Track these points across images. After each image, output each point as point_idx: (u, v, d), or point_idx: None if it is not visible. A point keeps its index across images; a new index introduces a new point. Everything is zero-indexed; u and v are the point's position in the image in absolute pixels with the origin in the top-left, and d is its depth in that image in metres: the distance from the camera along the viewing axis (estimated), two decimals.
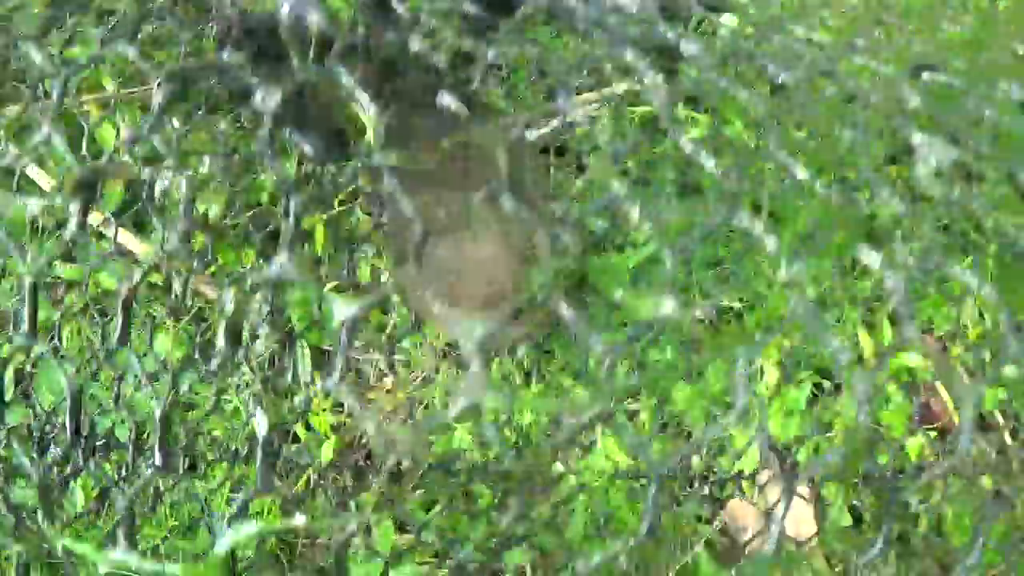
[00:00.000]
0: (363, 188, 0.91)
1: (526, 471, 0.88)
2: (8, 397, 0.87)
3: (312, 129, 0.46)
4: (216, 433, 0.87)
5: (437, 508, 0.82)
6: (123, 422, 0.85)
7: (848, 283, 0.76)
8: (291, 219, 0.32)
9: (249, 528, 0.26)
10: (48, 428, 0.83)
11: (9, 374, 0.86)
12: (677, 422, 0.84)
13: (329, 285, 0.91)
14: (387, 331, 0.90)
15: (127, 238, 0.87)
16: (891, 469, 0.76)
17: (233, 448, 0.86)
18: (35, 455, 0.81)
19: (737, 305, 0.82)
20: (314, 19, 0.38)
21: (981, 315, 0.73)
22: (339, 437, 0.85)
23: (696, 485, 0.83)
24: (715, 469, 0.82)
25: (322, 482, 0.84)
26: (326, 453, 0.83)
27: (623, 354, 0.85)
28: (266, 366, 0.88)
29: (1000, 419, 0.73)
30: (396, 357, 0.90)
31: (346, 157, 0.48)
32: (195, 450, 0.85)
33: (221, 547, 0.27)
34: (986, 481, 0.72)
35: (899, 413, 0.75)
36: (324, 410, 0.84)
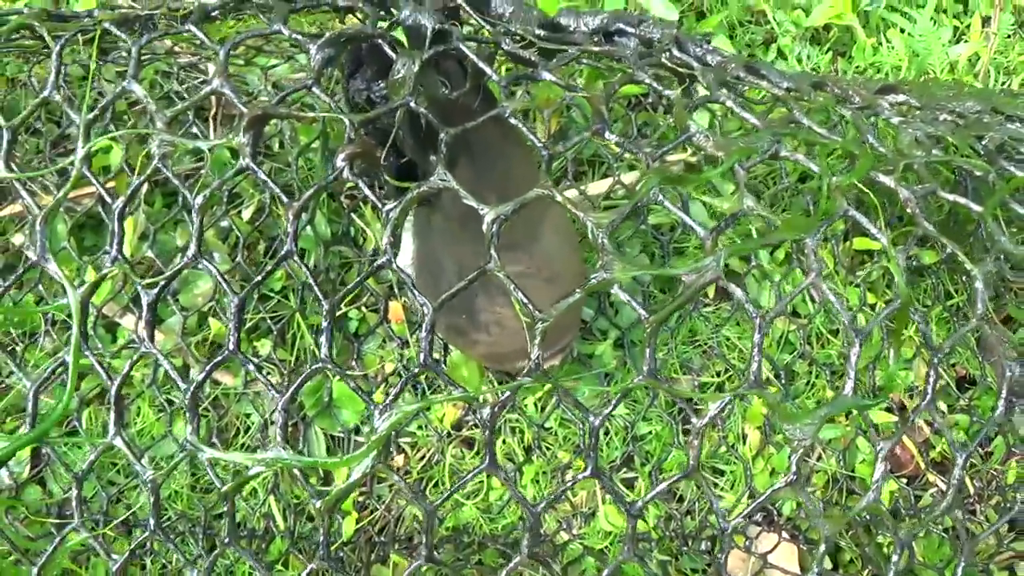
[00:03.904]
0: (369, 287, 0.98)
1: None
2: (24, 478, 0.88)
3: None
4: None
5: None
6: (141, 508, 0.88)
7: (817, 350, 0.88)
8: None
9: None
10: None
11: (25, 455, 0.88)
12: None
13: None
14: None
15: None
16: (868, 515, 0.85)
17: (251, 527, 0.89)
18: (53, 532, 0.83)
19: (715, 379, 0.92)
20: (428, 24, 0.48)
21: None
22: (357, 512, 0.89)
23: (691, 543, 0.90)
24: (707, 526, 0.90)
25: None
26: (348, 529, 0.87)
27: (617, 428, 0.94)
28: None
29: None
30: (402, 440, 0.95)
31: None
32: (213, 532, 0.88)
33: None
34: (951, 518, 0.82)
35: (870, 465, 0.85)
36: None
